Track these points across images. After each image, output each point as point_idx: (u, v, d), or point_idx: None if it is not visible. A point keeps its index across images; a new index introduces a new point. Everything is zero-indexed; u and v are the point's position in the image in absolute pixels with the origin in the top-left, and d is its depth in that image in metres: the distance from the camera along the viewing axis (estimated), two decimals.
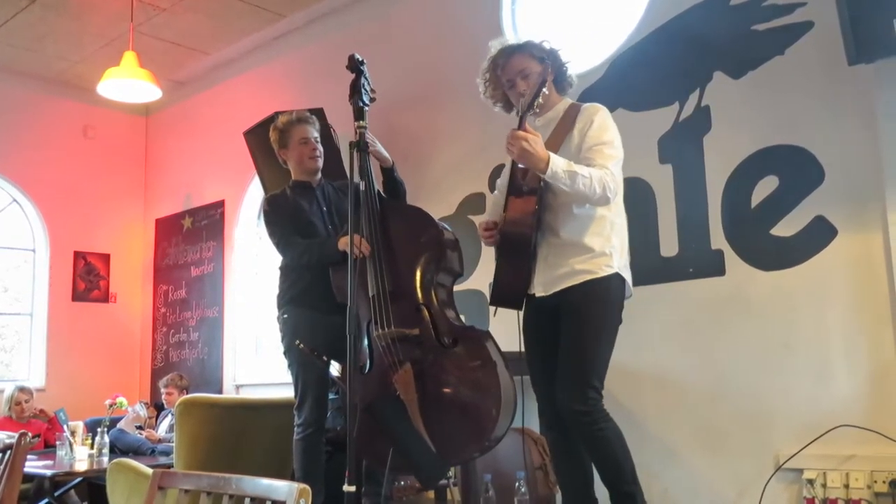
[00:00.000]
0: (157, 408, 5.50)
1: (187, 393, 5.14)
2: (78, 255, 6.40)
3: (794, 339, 3.27)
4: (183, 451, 3.37)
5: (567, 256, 2.55)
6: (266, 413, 3.64)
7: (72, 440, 4.46)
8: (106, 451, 4.34)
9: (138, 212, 6.82)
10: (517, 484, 3.10)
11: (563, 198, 2.53)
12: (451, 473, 3.08)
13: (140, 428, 4.84)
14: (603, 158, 2.50)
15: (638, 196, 3.70)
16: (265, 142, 3.69)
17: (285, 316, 3.25)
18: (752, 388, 3.35)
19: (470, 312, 3.95)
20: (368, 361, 2.84)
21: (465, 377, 2.66)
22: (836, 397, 3.14)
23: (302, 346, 2.95)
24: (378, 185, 3.11)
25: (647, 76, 3.82)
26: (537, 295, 2.60)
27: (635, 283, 2.69)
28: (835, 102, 3.25)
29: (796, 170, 3.33)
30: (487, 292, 2.72)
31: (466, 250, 3.10)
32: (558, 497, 2.94)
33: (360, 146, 2.71)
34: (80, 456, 4.35)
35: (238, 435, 3.49)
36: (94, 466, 4.15)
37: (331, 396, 3.36)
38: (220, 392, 5.73)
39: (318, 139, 3.38)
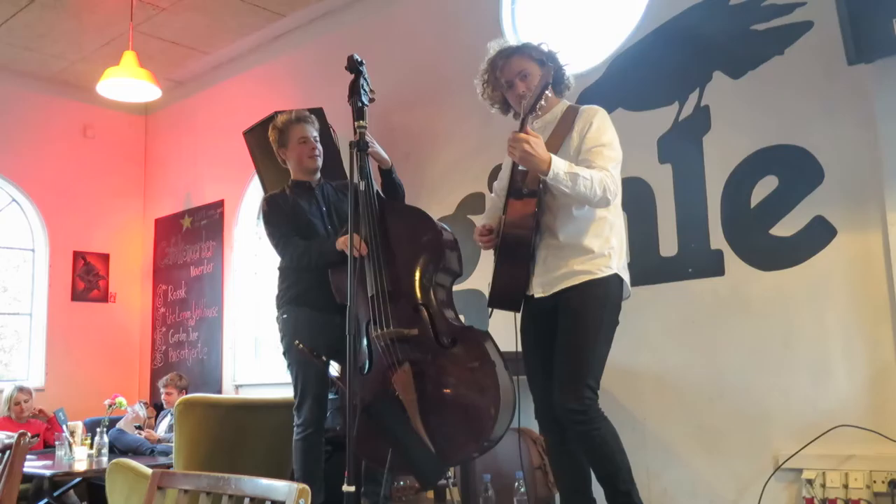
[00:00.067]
0: (157, 408, 5.50)
1: (187, 393, 5.14)
2: (77, 255, 6.40)
3: (793, 338, 3.27)
4: (182, 452, 3.37)
5: (566, 258, 2.55)
6: (265, 413, 3.64)
7: (71, 440, 4.46)
8: (105, 451, 4.34)
9: (138, 211, 6.82)
10: (516, 484, 3.10)
11: (562, 200, 2.54)
12: (450, 473, 3.08)
13: (139, 428, 4.84)
14: (602, 160, 2.50)
15: (637, 196, 3.70)
16: (265, 141, 3.69)
17: (285, 316, 3.25)
18: (752, 388, 3.35)
19: (469, 312, 3.95)
20: (367, 361, 2.84)
21: (464, 377, 2.66)
22: (835, 397, 3.14)
23: (301, 346, 2.95)
24: (377, 187, 3.11)
25: (646, 76, 3.83)
26: (536, 296, 2.60)
27: (634, 283, 2.69)
28: (834, 102, 3.25)
29: (796, 170, 3.33)
30: (486, 292, 2.72)
31: (465, 250, 3.10)
32: (558, 497, 2.94)
33: (360, 146, 2.70)
34: (79, 456, 4.34)
35: (237, 435, 3.49)
36: (94, 466, 4.15)
37: (330, 396, 3.36)
38: (220, 392, 5.73)
39: (318, 139, 3.38)
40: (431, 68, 4.71)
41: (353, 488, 2.20)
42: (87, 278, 6.43)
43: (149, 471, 2.84)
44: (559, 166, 2.39)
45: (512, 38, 4.28)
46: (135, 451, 4.54)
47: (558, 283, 2.55)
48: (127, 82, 4.86)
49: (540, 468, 3.46)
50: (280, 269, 3.34)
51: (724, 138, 3.55)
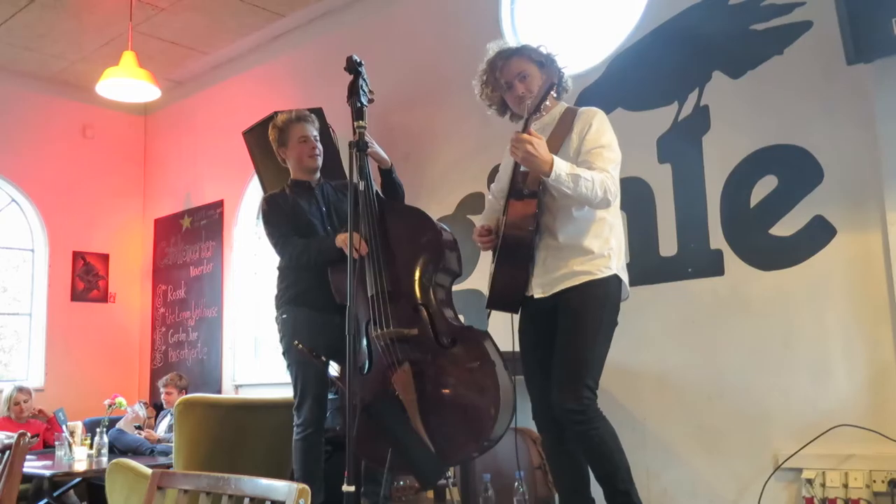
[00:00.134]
0: (156, 408, 5.50)
1: (186, 393, 5.14)
2: (77, 255, 6.39)
3: (792, 338, 3.27)
4: (182, 451, 3.37)
5: (566, 258, 2.56)
6: (265, 413, 3.64)
7: (71, 440, 4.45)
8: (105, 451, 4.34)
9: (137, 211, 6.82)
10: (516, 484, 3.10)
11: (561, 200, 2.54)
12: (450, 473, 3.08)
13: (139, 428, 4.84)
14: (602, 161, 2.51)
15: (637, 196, 3.71)
16: (264, 141, 3.69)
17: (284, 316, 3.25)
18: (751, 388, 3.35)
19: (468, 312, 3.95)
20: (367, 361, 2.84)
21: (463, 377, 2.66)
22: (834, 397, 3.14)
23: (301, 346, 2.95)
24: (377, 187, 3.11)
25: (646, 76, 3.83)
26: (536, 296, 2.60)
27: (634, 283, 2.70)
28: (833, 102, 3.25)
29: (795, 169, 3.33)
30: (486, 292, 2.72)
31: (465, 250, 3.10)
32: (557, 497, 2.94)
33: (360, 146, 2.71)
34: (79, 456, 4.34)
35: (237, 435, 3.49)
36: (93, 466, 4.15)
37: (330, 396, 3.36)
38: (220, 392, 5.73)
39: (318, 138, 3.37)
40: (431, 68, 4.71)
41: (352, 488, 2.20)
42: (86, 278, 6.43)
43: (148, 471, 2.84)
44: (561, 167, 2.40)
45: (511, 39, 4.28)
46: (134, 451, 4.54)
47: (558, 283, 2.56)
48: (126, 82, 4.86)
49: (540, 468, 3.47)
50: (279, 268, 3.33)
51: (723, 138, 3.55)
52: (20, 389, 5.25)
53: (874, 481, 2.97)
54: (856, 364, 3.12)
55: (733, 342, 3.42)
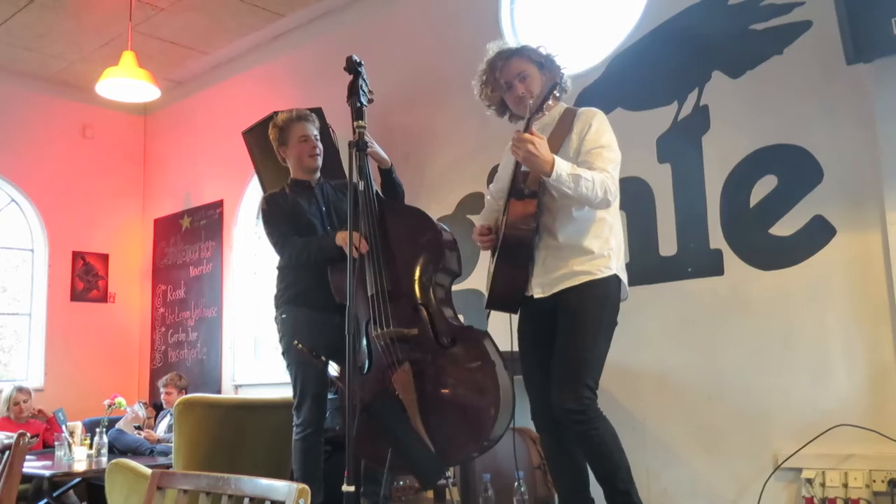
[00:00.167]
0: (156, 408, 5.50)
1: (186, 393, 5.14)
2: (76, 255, 6.39)
3: (792, 338, 3.27)
4: (182, 452, 3.37)
5: (566, 258, 2.56)
6: (265, 413, 3.63)
7: (70, 440, 4.45)
8: (105, 451, 4.34)
9: (137, 211, 6.81)
10: (516, 484, 3.10)
11: (561, 201, 2.54)
12: (449, 473, 3.08)
13: (139, 428, 4.84)
14: (602, 162, 2.51)
15: (637, 195, 3.71)
16: (264, 141, 3.69)
17: (283, 316, 3.25)
18: (751, 388, 3.35)
19: (468, 312, 3.95)
20: (367, 361, 2.84)
21: (463, 377, 2.66)
22: (834, 396, 3.14)
23: (300, 346, 2.95)
24: (377, 187, 3.11)
25: (645, 76, 3.83)
26: (535, 296, 2.60)
27: (634, 283, 2.70)
28: (833, 102, 3.25)
29: (795, 169, 3.33)
30: (485, 292, 2.72)
31: (465, 250, 3.10)
32: (557, 497, 2.94)
33: (359, 146, 2.70)
34: (78, 456, 4.34)
35: (237, 435, 3.49)
36: (93, 467, 4.15)
37: (329, 396, 3.36)
38: (219, 392, 5.73)
39: (318, 137, 3.37)
40: (431, 68, 4.71)
41: (352, 488, 2.20)
42: (86, 278, 6.42)
43: (148, 471, 2.84)
44: (562, 167, 2.40)
45: (511, 39, 4.28)
46: (134, 452, 4.54)
47: (558, 283, 2.56)
48: (126, 82, 4.86)
49: (539, 468, 3.47)
50: (279, 268, 3.33)
51: (723, 138, 3.55)
52: (20, 389, 5.25)
53: (874, 481, 2.98)
54: (856, 364, 3.12)
55: (733, 342, 3.42)
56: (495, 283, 2.63)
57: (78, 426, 4.73)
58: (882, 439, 2.98)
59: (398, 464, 2.65)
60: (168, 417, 4.92)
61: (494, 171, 3.02)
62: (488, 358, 2.63)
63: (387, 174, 3.17)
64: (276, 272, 3.35)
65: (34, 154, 6.25)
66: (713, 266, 3.51)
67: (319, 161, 3.35)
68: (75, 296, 6.35)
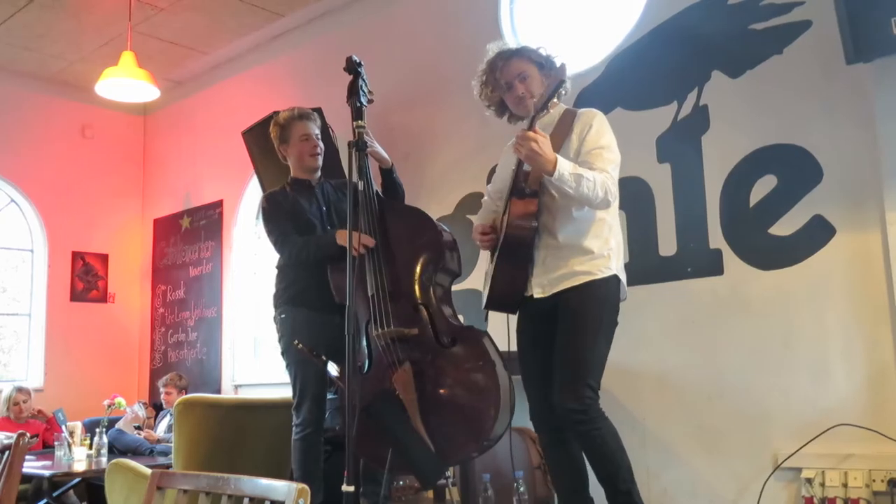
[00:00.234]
0: (156, 408, 5.50)
1: (186, 393, 5.14)
2: (76, 256, 6.39)
3: (792, 338, 3.27)
4: (181, 452, 3.37)
5: (566, 258, 2.56)
6: (264, 413, 3.64)
7: (70, 440, 4.45)
8: (104, 451, 4.34)
9: (136, 212, 6.81)
10: (516, 484, 3.10)
11: (561, 201, 2.54)
12: (449, 473, 3.08)
13: (139, 428, 4.84)
14: (602, 162, 2.52)
15: (636, 195, 3.70)
16: (264, 141, 3.69)
17: (283, 316, 3.25)
18: (751, 388, 3.35)
19: (468, 312, 3.95)
20: (367, 361, 2.84)
21: (463, 377, 2.66)
22: (834, 396, 3.14)
23: (300, 345, 2.95)
24: (377, 186, 3.11)
25: (645, 75, 3.83)
26: (535, 296, 2.60)
27: (633, 283, 2.70)
28: (833, 101, 3.25)
29: (794, 169, 3.33)
30: (484, 292, 2.72)
31: (465, 250, 3.10)
32: (556, 497, 2.94)
33: (359, 146, 2.70)
34: (78, 456, 4.34)
35: (237, 435, 3.49)
36: (93, 467, 4.15)
37: (329, 396, 3.35)
38: (219, 392, 5.73)
39: (319, 136, 3.37)
40: (431, 68, 4.71)
41: (352, 488, 2.20)
42: (86, 278, 6.42)
43: (148, 471, 2.84)
44: (564, 167, 2.40)
45: (511, 39, 4.28)
46: (134, 452, 4.54)
47: (558, 283, 2.56)
48: (125, 82, 4.86)
49: (539, 468, 3.46)
50: (278, 267, 3.33)
51: (722, 137, 3.55)
52: (19, 389, 5.25)
53: (874, 480, 2.97)
54: (855, 364, 3.12)
55: (733, 342, 3.42)
56: (495, 283, 2.63)
57: (78, 426, 4.73)
58: (882, 439, 2.98)
59: (398, 464, 2.65)
60: (168, 417, 4.92)
61: (493, 171, 3.02)
62: (488, 358, 2.63)
63: (387, 174, 3.17)
64: (275, 272, 3.35)
65: (34, 154, 6.25)
66: (713, 266, 3.51)
67: (320, 160, 3.35)
68: (75, 296, 6.34)
